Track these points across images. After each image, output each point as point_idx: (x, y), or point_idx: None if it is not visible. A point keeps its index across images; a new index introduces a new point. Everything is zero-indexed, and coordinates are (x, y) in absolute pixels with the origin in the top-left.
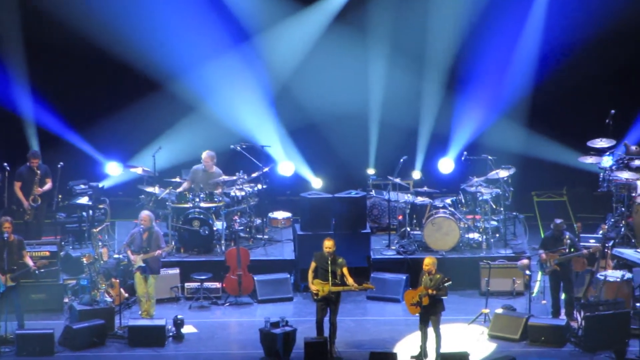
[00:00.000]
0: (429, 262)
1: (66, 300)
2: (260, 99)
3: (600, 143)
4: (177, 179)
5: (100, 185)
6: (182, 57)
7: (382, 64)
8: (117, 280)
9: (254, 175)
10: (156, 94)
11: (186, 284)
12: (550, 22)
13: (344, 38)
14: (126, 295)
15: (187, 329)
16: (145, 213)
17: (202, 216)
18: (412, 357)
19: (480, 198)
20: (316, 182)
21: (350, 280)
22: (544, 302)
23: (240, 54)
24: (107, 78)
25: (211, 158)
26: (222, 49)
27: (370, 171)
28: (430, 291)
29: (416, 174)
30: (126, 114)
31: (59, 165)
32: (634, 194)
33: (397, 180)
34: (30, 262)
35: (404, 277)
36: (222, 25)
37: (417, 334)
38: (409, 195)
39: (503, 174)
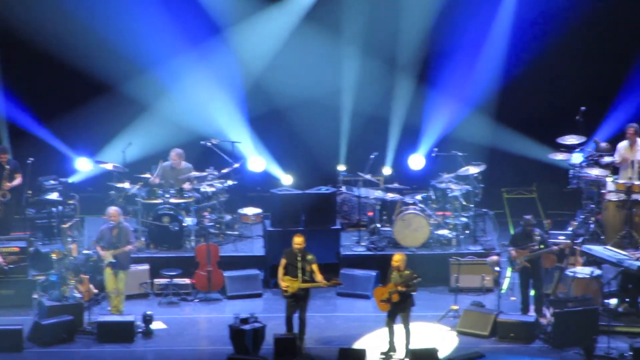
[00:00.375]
0: (398, 258)
1: (35, 296)
2: (231, 95)
3: (570, 140)
4: (147, 175)
5: (70, 180)
6: (153, 51)
7: (354, 61)
8: (87, 276)
9: (224, 171)
10: (126, 89)
11: (155, 280)
12: (519, 17)
13: (316, 33)
14: (95, 291)
15: (156, 325)
16: (113, 209)
17: (172, 212)
18: (381, 353)
19: (450, 194)
20: (286, 179)
21: (319, 277)
22: (513, 298)
23: (212, 48)
24: (77, 73)
25: (179, 156)
26: (193, 43)
27: (341, 168)
28: (399, 288)
29: (386, 170)
30: (96, 109)
31: (28, 161)
32: (603, 191)
33: (368, 176)
34: None
35: (374, 274)
36: (192, 19)
37: (387, 330)
38: (379, 191)
39: (473, 170)
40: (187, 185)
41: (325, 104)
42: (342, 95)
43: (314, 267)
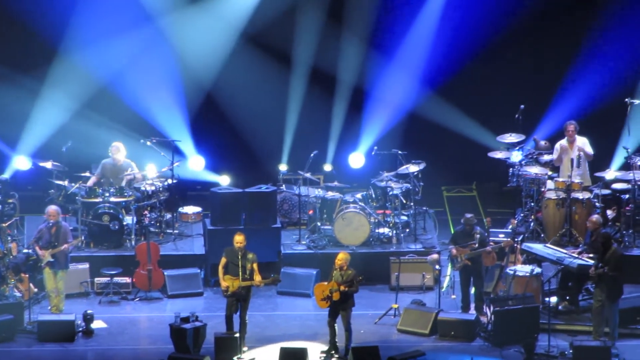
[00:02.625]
0: (342, 257)
1: None
2: (171, 93)
3: (510, 138)
4: (87, 174)
5: (5, 176)
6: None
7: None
8: (27, 275)
9: (164, 169)
10: (62, 86)
11: (96, 279)
12: (459, 17)
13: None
14: (35, 290)
15: (96, 324)
16: (52, 208)
17: (112, 211)
18: (322, 352)
19: (390, 193)
20: (223, 180)
21: (257, 277)
22: (453, 296)
23: (153, 52)
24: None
25: (117, 149)
26: (133, 50)
27: (283, 167)
28: (342, 287)
29: (327, 167)
30: (34, 107)
31: None
32: (543, 189)
33: (308, 175)
34: None
35: (314, 272)
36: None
37: (327, 329)
38: (319, 190)
39: (413, 168)
40: (128, 177)
41: (268, 104)
42: (284, 93)
43: (255, 265)
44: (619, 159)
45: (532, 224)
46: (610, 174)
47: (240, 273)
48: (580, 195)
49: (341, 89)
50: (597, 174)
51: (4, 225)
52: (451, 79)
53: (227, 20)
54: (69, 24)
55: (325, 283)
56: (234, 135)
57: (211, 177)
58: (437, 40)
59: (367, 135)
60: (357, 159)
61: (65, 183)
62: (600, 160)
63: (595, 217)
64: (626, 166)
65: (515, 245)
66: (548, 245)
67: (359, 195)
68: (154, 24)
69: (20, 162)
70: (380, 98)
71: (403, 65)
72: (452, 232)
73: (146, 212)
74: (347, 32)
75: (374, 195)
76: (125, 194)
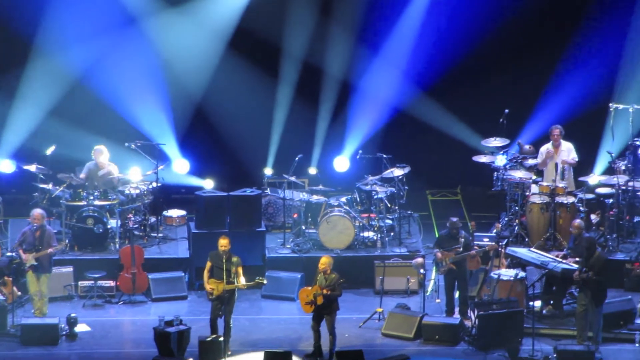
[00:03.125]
0: (325, 261)
1: None
2: (155, 96)
3: (494, 142)
4: (72, 176)
5: None
6: (72, 50)
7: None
8: (10, 279)
9: (148, 173)
10: (43, 88)
11: (80, 282)
12: (444, 22)
13: (241, 36)
14: (19, 293)
15: (80, 328)
16: (37, 211)
17: (96, 214)
18: (306, 355)
19: (375, 196)
20: (207, 184)
21: (240, 281)
22: (438, 300)
23: (137, 55)
24: None
25: (100, 153)
26: (116, 52)
27: (268, 171)
28: (325, 291)
29: (312, 170)
30: (12, 108)
31: None
32: (527, 193)
33: (292, 178)
34: None
35: (299, 276)
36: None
37: (312, 333)
38: (304, 193)
39: (398, 172)
40: (105, 170)
41: (254, 108)
42: (268, 96)
43: (239, 269)
44: (602, 163)
45: (516, 228)
46: (593, 178)
47: (224, 276)
48: (564, 200)
49: (326, 95)
50: (581, 179)
51: None
52: (435, 83)
53: (212, 22)
54: (49, 24)
55: (309, 288)
56: (219, 138)
57: (195, 181)
58: (422, 44)
59: (351, 139)
60: (341, 163)
61: (50, 186)
62: (583, 165)
63: (577, 221)
64: (610, 171)
65: (500, 249)
66: (532, 249)
67: (343, 199)
68: (137, 26)
69: (4, 166)
70: (365, 102)
71: (389, 69)
72: (437, 236)
73: (130, 215)
74: (336, 31)
75: (358, 199)
76: (110, 197)
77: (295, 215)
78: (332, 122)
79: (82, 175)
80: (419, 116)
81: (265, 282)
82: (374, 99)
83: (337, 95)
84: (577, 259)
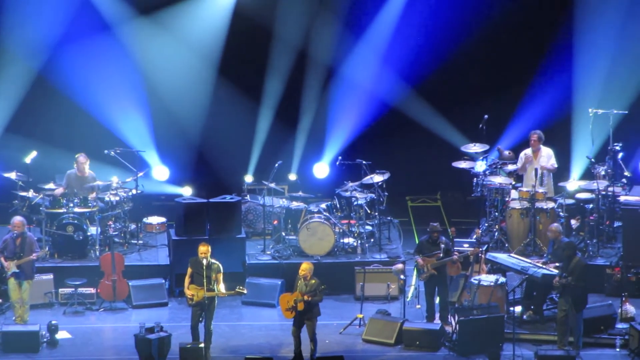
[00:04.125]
0: (305, 267)
1: None
2: (135, 103)
3: (474, 148)
4: (51, 185)
5: None
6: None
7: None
8: None
9: (128, 180)
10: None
11: (60, 290)
12: (423, 27)
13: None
14: (0, 300)
15: (61, 335)
16: (17, 219)
17: (76, 221)
18: None
19: (355, 203)
20: (185, 191)
21: (223, 286)
22: (418, 306)
23: (115, 63)
24: None
25: (81, 161)
26: (96, 60)
27: (248, 178)
28: (305, 297)
29: (292, 176)
30: None
31: None
32: (507, 199)
33: (272, 185)
34: None
35: (279, 282)
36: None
37: (293, 339)
38: (284, 200)
39: (377, 178)
40: (92, 195)
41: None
42: (247, 105)
43: (219, 276)
44: (581, 168)
45: (496, 233)
46: (572, 184)
47: (204, 283)
48: (544, 205)
49: (307, 103)
50: (560, 184)
51: None
52: (415, 89)
53: (190, 30)
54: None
55: (290, 294)
56: (199, 146)
57: (173, 189)
58: (398, 54)
59: (331, 145)
60: (321, 169)
61: (29, 194)
62: (562, 170)
63: (554, 225)
64: (590, 176)
65: (480, 254)
66: (512, 254)
67: (323, 205)
68: (114, 33)
69: None
70: (345, 108)
71: (370, 74)
72: (417, 242)
73: (110, 222)
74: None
75: (338, 205)
76: (90, 204)
77: (275, 222)
78: (312, 128)
79: (60, 189)
80: (398, 123)
81: (245, 291)
82: (354, 106)
83: (317, 103)
84: (557, 264)
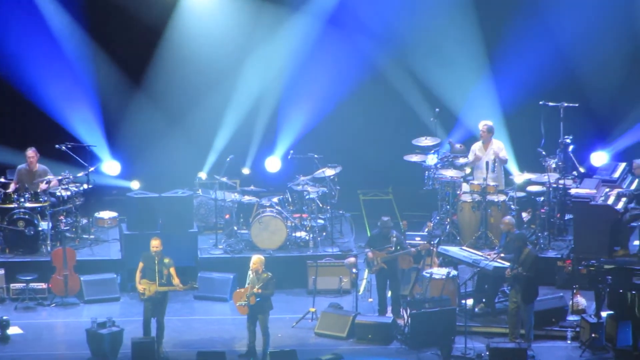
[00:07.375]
0: (256, 260)
1: None
2: (85, 98)
3: (425, 141)
4: (2, 179)
5: None
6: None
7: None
8: None
9: (79, 174)
10: None
11: (11, 285)
12: (375, 18)
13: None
14: None
15: (12, 330)
16: None
17: (27, 216)
18: (240, 356)
19: (307, 197)
20: (134, 185)
21: (176, 281)
22: (370, 300)
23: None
24: None
25: (32, 156)
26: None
27: (202, 175)
28: (256, 290)
29: (246, 170)
30: None
31: None
32: (458, 192)
33: (224, 179)
34: None
35: (232, 276)
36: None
37: (246, 333)
38: (235, 194)
39: (329, 172)
40: (43, 185)
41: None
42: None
43: (172, 270)
44: (531, 161)
45: (447, 226)
46: (519, 177)
47: (157, 278)
48: (495, 198)
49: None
50: (510, 177)
51: None
52: (365, 81)
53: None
54: None
55: (242, 289)
56: (152, 139)
57: (122, 182)
58: (351, 41)
59: (283, 139)
60: (273, 163)
61: None
62: (513, 163)
63: (507, 218)
64: (540, 168)
65: (432, 248)
66: (464, 248)
67: (275, 199)
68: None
69: None
70: (297, 102)
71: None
72: (369, 235)
73: (62, 217)
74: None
75: (290, 199)
76: (41, 199)
77: (227, 216)
78: (265, 121)
79: (12, 185)
80: (349, 116)
81: (197, 287)
82: (305, 99)
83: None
84: (506, 255)
